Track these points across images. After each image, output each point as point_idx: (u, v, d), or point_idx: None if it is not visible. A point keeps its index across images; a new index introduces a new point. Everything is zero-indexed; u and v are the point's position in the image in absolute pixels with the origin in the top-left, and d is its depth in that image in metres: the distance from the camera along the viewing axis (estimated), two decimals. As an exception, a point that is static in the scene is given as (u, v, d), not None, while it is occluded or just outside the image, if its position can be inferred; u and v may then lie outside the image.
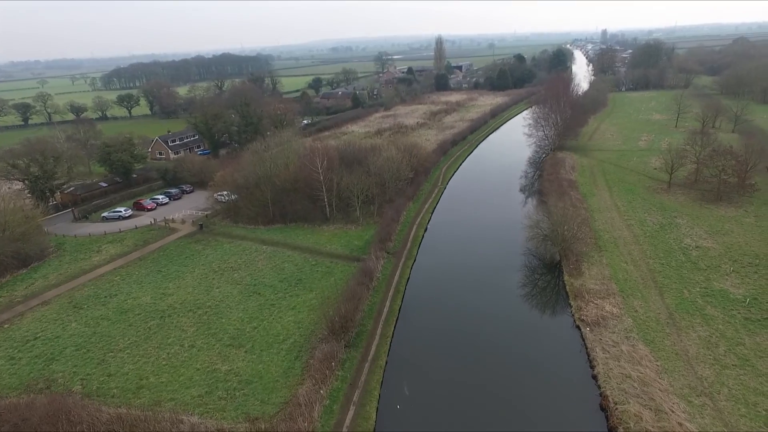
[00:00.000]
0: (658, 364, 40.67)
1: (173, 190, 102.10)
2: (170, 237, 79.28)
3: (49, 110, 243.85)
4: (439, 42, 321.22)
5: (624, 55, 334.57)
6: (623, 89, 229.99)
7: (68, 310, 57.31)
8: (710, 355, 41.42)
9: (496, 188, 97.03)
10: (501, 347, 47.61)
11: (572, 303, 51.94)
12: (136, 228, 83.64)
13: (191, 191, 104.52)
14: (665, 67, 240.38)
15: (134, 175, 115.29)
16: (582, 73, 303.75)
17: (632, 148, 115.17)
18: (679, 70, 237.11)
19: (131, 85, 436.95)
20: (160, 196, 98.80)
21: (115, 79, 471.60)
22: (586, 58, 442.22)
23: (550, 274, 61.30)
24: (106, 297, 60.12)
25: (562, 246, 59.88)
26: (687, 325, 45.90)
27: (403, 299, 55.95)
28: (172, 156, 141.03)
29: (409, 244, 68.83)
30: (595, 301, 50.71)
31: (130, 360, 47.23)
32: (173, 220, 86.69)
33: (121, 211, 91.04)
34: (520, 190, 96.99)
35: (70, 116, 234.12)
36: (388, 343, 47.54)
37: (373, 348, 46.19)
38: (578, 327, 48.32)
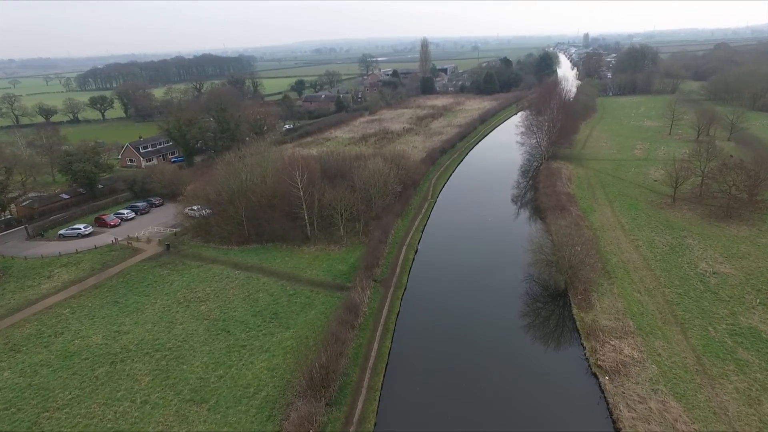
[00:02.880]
0: (695, 428, 34.64)
1: (140, 204, 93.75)
2: (133, 259, 71.29)
3: (16, 112, 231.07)
4: (425, 44, 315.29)
5: (608, 59, 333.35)
6: (610, 94, 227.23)
7: (2, 354, 49.21)
8: (754, 415, 35.59)
9: (489, 201, 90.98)
10: (506, 398, 41.23)
11: (585, 343, 45.78)
12: (96, 248, 75.42)
13: (160, 204, 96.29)
14: (652, 71, 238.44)
15: (100, 186, 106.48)
16: (568, 77, 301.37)
17: (628, 158, 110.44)
18: (665, 75, 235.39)
19: (108, 86, 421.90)
20: (125, 211, 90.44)
21: (90, 80, 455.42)
22: (570, 61, 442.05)
23: (555, 303, 55.21)
24: (50, 336, 52.10)
25: (569, 274, 53.83)
26: (719, 373, 40.09)
27: (393, 339, 49.16)
28: (144, 163, 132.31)
29: (398, 270, 62.08)
30: (611, 342, 44.67)
31: (68, 422, 39.53)
32: (137, 239, 78.63)
33: (80, 228, 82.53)
34: (515, 203, 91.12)
35: (40, 119, 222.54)
36: (377, 398, 40.67)
37: (359, 406, 39.28)
38: (594, 374, 42.18)
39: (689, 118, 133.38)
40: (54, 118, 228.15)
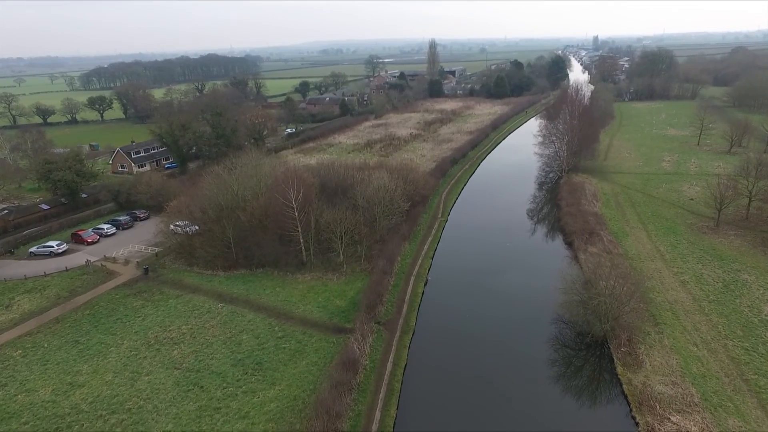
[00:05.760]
0: None
1: (122, 218, 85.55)
2: (105, 285, 63.12)
3: (13, 112, 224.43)
4: (433, 46, 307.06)
5: (621, 62, 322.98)
6: (626, 99, 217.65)
7: (-71, 414, 41.04)
8: None
9: (506, 220, 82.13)
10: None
11: (637, 417, 36.89)
12: (66, 270, 67.30)
13: (146, 218, 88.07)
14: (671, 76, 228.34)
15: (84, 195, 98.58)
16: (580, 81, 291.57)
17: (656, 171, 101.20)
18: (684, 80, 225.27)
19: (111, 85, 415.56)
20: (105, 226, 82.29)
21: (94, 79, 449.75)
22: (582, 65, 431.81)
23: (593, 354, 46.41)
24: (-9, 388, 43.91)
25: (611, 323, 44.99)
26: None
27: (399, 404, 40.47)
28: (136, 170, 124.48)
29: (405, 309, 53.35)
30: (672, 418, 35.83)
31: None
32: (114, 260, 70.52)
33: (52, 246, 74.47)
34: (536, 223, 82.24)
35: (38, 119, 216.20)
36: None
37: None
38: (653, 463, 33.39)
39: (718, 127, 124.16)
40: (52, 119, 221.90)
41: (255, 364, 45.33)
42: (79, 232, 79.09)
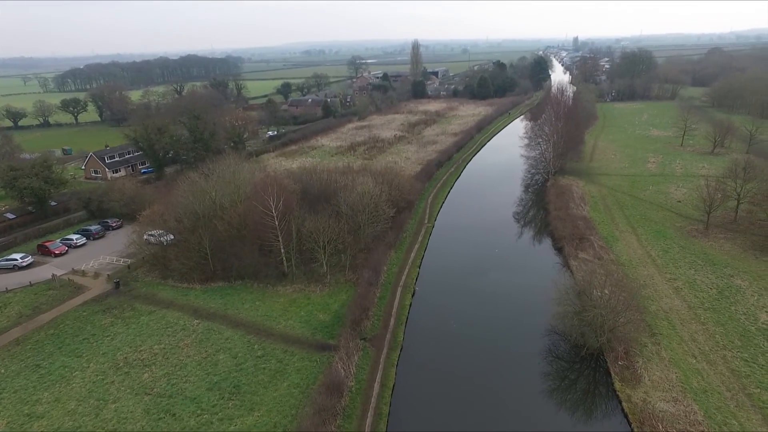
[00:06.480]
0: None
1: (93, 227, 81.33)
2: (72, 301, 59.23)
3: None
4: (416, 46, 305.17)
5: (602, 63, 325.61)
6: (608, 99, 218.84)
7: None
8: None
9: (494, 225, 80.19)
10: None
11: (639, 438, 34.92)
12: (30, 285, 63.13)
13: (119, 226, 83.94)
14: (651, 77, 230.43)
15: (53, 203, 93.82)
16: (562, 81, 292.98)
17: (642, 173, 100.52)
18: (664, 80, 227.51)
19: (87, 87, 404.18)
20: (74, 236, 77.95)
21: (69, 80, 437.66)
22: (563, 65, 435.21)
23: (588, 367, 44.48)
24: (-60, 422, 40.06)
25: (608, 336, 43.09)
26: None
27: (387, 428, 37.85)
28: (110, 175, 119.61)
29: (392, 322, 50.77)
30: (676, 438, 33.91)
31: None
32: (83, 273, 66.54)
33: (16, 259, 69.98)
34: (524, 227, 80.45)
35: (7, 122, 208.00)
36: None
37: None
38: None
39: (700, 127, 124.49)
40: (23, 122, 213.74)
41: (232, 388, 42.26)
42: (46, 243, 74.69)
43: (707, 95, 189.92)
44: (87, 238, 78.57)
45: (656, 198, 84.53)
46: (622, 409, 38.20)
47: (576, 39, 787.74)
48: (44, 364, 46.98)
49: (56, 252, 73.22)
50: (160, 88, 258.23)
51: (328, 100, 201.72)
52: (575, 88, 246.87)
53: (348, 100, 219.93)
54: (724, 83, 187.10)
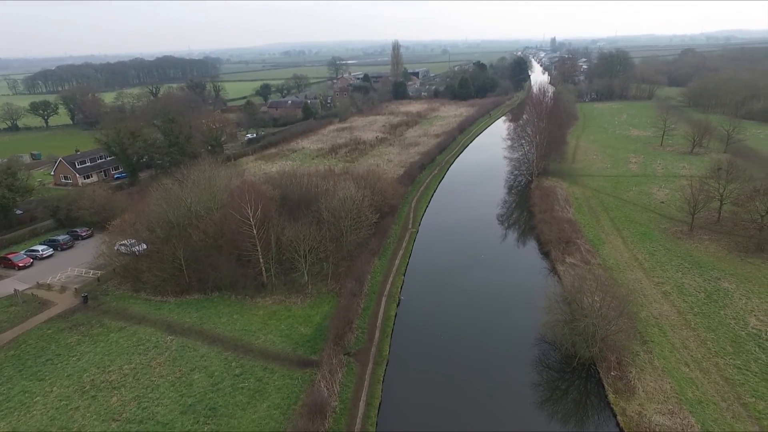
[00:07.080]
0: None
1: (61, 237, 77.27)
2: (36, 318, 55.63)
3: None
4: (396, 47, 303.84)
5: (580, 63, 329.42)
6: (587, 100, 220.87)
7: None
8: None
9: (479, 229, 78.86)
10: None
11: (636, 455, 33.58)
12: (-9, 302, 59.23)
13: (89, 236, 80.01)
14: (628, 77, 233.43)
15: (18, 212, 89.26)
16: (541, 82, 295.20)
17: (624, 173, 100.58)
18: (641, 80, 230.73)
19: (58, 89, 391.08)
20: (40, 247, 73.86)
21: (40, 82, 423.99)
22: (542, 66, 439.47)
23: (580, 377, 43.15)
24: None
25: (599, 346, 41.80)
26: None
27: (374, 451, 35.89)
28: (81, 181, 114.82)
29: (377, 335, 48.71)
30: (674, 455, 32.62)
31: None
32: (49, 286, 62.82)
33: (-24, 274, 65.90)
34: (509, 230, 79.33)
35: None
36: None
37: None
38: None
39: (679, 127, 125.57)
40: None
41: (208, 410, 39.65)
42: (9, 255, 70.46)
43: (683, 95, 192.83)
44: (54, 249, 74.51)
45: (640, 199, 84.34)
46: (617, 423, 36.85)
47: (554, 39, 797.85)
48: (2, 390, 43.54)
49: (20, 264, 69.09)
50: (135, 90, 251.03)
51: (309, 101, 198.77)
52: (554, 88, 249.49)
53: (328, 101, 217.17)
54: (699, 83, 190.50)
